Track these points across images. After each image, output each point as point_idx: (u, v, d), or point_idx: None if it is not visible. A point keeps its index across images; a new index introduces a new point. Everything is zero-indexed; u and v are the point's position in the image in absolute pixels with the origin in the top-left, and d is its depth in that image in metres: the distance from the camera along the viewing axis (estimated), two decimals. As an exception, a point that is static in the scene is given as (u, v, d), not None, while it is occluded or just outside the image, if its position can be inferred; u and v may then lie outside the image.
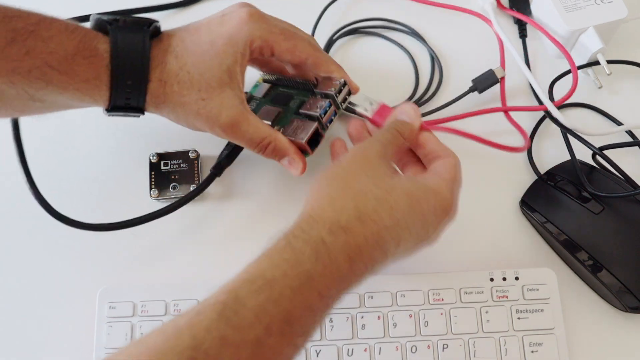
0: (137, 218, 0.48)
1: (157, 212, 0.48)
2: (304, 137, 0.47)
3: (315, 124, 0.47)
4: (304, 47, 0.47)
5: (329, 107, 0.48)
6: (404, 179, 0.41)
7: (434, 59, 0.58)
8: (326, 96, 0.48)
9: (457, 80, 0.57)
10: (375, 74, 0.58)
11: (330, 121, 0.48)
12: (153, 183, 0.52)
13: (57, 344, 0.47)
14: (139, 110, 0.44)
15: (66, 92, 0.41)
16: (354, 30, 0.60)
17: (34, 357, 0.47)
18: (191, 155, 0.53)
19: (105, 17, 0.43)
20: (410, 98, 0.57)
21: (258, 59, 0.51)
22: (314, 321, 0.35)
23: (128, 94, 0.43)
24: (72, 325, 0.47)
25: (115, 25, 0.43)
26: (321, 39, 0.59)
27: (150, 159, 0.53)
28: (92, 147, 0.53)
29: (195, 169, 0.52)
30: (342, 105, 0.49)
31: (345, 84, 0.48)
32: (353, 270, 0.36)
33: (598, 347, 0.47)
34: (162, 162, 0.52)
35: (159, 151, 0.53)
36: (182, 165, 0.52)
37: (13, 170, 0.48)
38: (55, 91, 0.41)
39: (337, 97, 0.48)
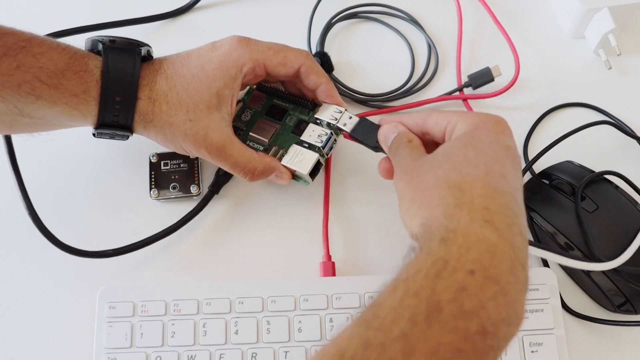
0: (138, 242, 0.48)
1: (158, 234, 0.49)
2: (306, 169, 0.48)
3: (316, 156, 0.48)
4: (294, 56, 0.47)
5: (330, 137, 0.49)
6: (441, 147, 0.40)
7: (430, 46, 0.59)
8: (328, 126, 0.49)
9: (453, 69, 0.58)
10: (371, 59, 0.59)
11: (331, 149, 0.50)
12: (153, 183, 0.52)
13: (57, 344, 0.47)
14: (127, 129, 0.45)
15: (55, 107, 0.42)
16: (353, 15, 0.61)
17: (34, 357, 0.47)
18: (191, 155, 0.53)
19: (98, 38, 0.45)
20: (404, 85, 0.57)
21: (252, 81, 0.50)
22: (479, 300, 0.30)
23: (117, 110, 0.44)
24: (72, 325, 0.47)
25: (107, 44, 0.44)
26: (320, 22, 0.59)
27: (150, 159, 0.53)
28: (91, 147, 0.53)
29: (195, 169, 0.52)
30: (340, 133, 0.49)
31: (343, 112, 0.48)
32: (498, 230, 0.32)
33: (598, 347, 0.47)
34: (162, 162, 0.52)
35: (159, 151, 0.53)
36: (182, 165, 0.52)
37: (8, 174, 0.48)
38: (45, 106, 0.42)
39: (338, 126, 0.48)
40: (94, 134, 0.46)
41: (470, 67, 0.58)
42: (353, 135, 0.47)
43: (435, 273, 0.31)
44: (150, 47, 0.47)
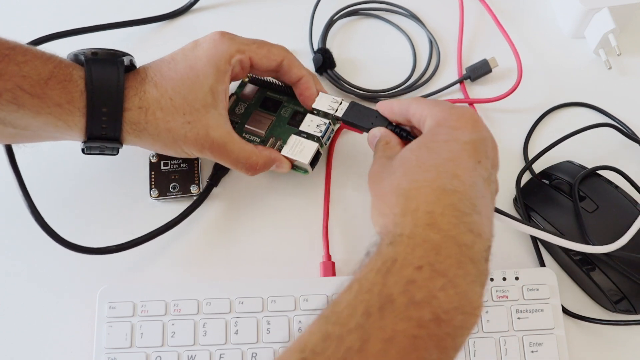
0: (138, 238, 0.48)
1: (158, 230, 0.49)
2: (306, 159, 0.48)
3: (316, 145, 0.48)
4: (277, 51, 0.48)
5: (329, 127, 0.49)
6: (403, 150, 0.41)
7: (432, 42, 0.59)
8: (325, 116, 0.49)
9: (455, 64, 0.58)
10: (373, 55, 0.59)
11: (329, 138, 0.50)
12: (153, 183, 0.52)
13: (57, 344, 0.47)
14: (116, 140, 0.44)
15: (39, 117, 0.42)
16: (354, 12, 0.61)
17: (34, 357, 0.47)
18: (191, 155, 0.53)
19: (79, 52, 0.44)
20: (406, 81, 0.57)
21: (239, 75, 0.50)
22: (428, 290, 0.32)
23: (104, 122, 0.43)
24: (72, 325, 0.47)
25: (89, 57, 0.44)
26: (321, 19, 0.60)
27: (150, 159, 0.53)
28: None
29: (195, 168, 0.52)
30: (337, 122, 0.49)
31: (341, 102, 0.48)
32: (442, 230, 0.34)
33: (598, 347, 0.47)
34: (162, 162, 0.52)
35: (158, 151, 0.53)
36: (182, 165, 0.52)
37: (7, 173, 0.48)
38: (28, 115, 0.41)
39: (335, 115, 0.48)
40: (83, 150, 0.45)
41: (472, 63, 0.58)
42: (346, 120, 0.48)
43: (386, 270, 0.33)
44: (132, 56, 0.46)
